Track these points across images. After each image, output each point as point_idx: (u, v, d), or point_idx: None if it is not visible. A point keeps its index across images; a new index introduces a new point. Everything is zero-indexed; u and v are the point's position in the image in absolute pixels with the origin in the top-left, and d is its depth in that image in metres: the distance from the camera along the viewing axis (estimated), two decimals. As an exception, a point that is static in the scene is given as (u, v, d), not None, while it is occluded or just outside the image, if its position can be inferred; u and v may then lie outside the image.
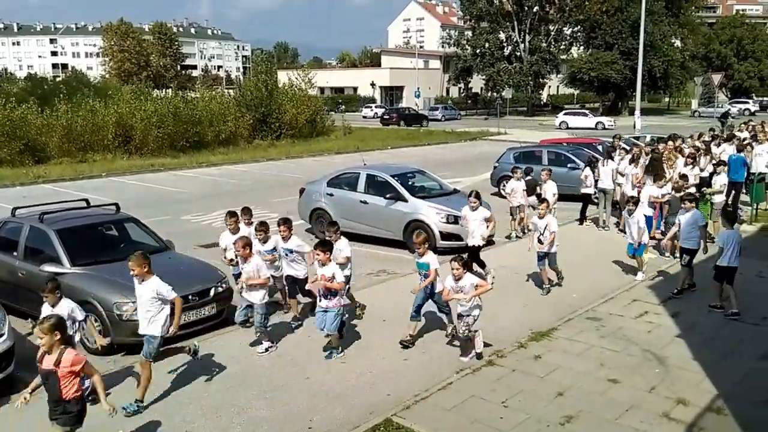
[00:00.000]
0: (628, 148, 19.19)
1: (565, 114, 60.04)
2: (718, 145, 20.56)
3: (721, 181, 15.55)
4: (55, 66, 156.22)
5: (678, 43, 75.69)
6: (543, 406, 7.54)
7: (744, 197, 18.72)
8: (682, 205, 11.85)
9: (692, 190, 14.74)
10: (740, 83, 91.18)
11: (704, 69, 76.27)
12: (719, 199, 15.23)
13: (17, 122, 31.40)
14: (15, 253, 10.84)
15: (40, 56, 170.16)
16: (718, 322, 10.26)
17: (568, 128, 53.48)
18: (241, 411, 7.65)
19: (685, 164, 16.40)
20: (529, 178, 17.15)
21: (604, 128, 51.80)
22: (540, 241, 11.72)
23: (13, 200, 19.02)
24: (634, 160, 16.81)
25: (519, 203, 16.28)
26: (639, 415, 7.33)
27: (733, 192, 17.93)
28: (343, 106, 75.28)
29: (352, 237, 15.92)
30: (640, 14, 41.20)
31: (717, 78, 40.73)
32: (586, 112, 61.60)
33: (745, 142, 19.91)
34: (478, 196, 12.10)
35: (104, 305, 9.31)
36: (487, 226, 12.10)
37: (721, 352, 9.09)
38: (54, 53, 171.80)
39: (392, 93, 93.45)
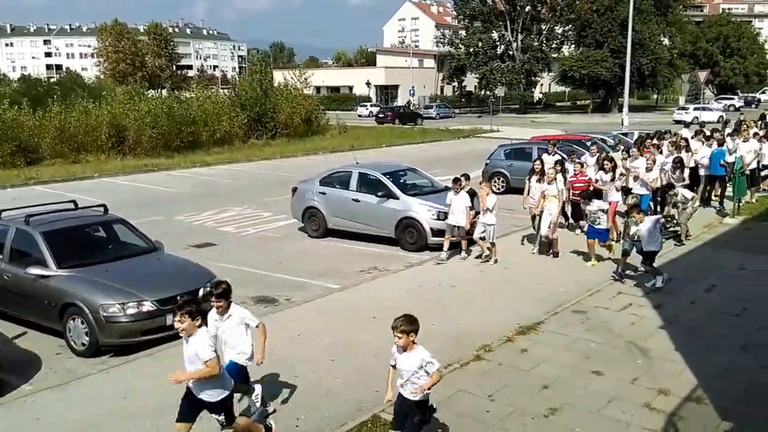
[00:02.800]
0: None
1: (695, 109, 59.98)
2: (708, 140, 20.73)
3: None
4: (49, 67, 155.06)
5: (666, 41, 75.96)
6: (528, 399, 7.69)
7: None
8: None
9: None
10: (726, 80, 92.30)
11: (691, 66, 76.73)
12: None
13: (9, 123, 31.01)
14: (0, 256, 10.70)
15: (33, 57, 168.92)
16: (700, 314, 10.43)
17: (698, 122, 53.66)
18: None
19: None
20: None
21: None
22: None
23: (2, 202, 18.99)
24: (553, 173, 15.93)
25: (456, 223, 13.79)
26: (621, 405, 7.48)
27: (717, 185, 18.17)
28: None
29: (345, 235, 16.22)
30: (629, 13, 41.38)
31: (704, 75, 40.99)
32: (718, 106, 61.25)
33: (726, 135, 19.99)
34: None
35: (90, 307, 9.24)
36: None
37: (702, 342, 9.25)
38: (48, 54, 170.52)
39: (387, 92, 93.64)
